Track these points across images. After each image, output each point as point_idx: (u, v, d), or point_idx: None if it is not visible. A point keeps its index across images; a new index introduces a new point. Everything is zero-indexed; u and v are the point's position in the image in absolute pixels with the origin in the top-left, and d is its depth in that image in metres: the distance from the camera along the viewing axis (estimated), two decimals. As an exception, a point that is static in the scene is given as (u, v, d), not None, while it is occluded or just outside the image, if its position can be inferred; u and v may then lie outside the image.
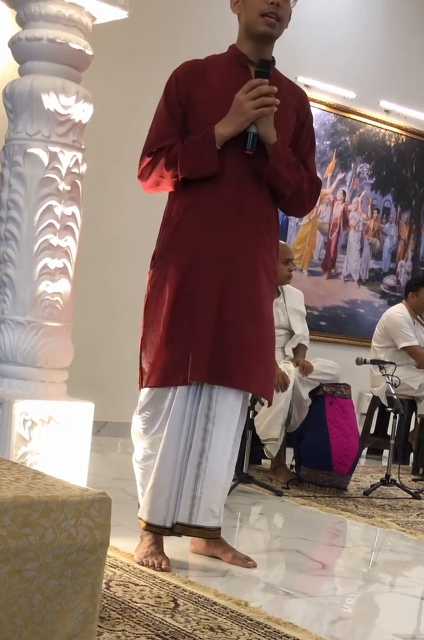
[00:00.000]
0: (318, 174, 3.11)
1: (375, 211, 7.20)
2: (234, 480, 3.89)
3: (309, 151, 3.07)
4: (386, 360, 5.64)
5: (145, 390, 2.96)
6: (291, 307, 5.21)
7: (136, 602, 2.46)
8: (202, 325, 2.87)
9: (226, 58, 3.00)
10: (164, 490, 2.92)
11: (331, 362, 5.12)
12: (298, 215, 3.35)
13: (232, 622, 2.41)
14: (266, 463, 5.26)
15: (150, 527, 2.95)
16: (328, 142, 6.84)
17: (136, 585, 2.63)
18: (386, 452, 5.85)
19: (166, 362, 2.88)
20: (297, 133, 3.02)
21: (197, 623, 2.36)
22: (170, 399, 2.91)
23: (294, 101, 3.04)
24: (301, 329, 5.20)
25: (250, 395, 3.11)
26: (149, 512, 2.94)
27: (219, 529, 3.02)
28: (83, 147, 3.09)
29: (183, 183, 2.91)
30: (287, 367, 4.88)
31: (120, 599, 2.46)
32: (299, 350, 5.17)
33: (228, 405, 2.93)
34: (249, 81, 2.87)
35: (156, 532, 2.95)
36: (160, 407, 2.93)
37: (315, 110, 6.67)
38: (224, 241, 2.89)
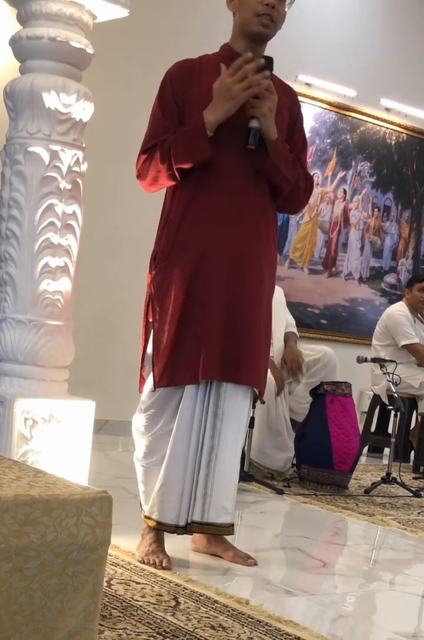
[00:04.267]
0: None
1: (376, 209, 7.20)
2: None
3: (302, 149, 3.09)
4: (386, 358, 5.64)
5: (150, 389, 2.95)
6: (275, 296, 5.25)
7: (137, 601, 2.46)
8: (211, 325, 2.87)
9: (220, 57, 2.99)
10: (174, 489, 2.92)
11: (318, 347, 5.14)
12: (292, 212, 3.35)
13: (233, 621, 2.41)
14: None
15: (161, 526, 2.94)
16: (329, 141, 6.84)
17: (137, 583, 2.64)
18: (386, 451, 5.85)
19: (175, 362, 2.87)
20: (290, 130, 3.03)
21: (198, 621, 2.36)
22: (177, 398, 2.90)
23: (287, 99, 3.05)
24: (287, 317, 5.25)
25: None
26: (159, 511, 2.92)
27: (232, 525, 3.02)
28: (84, 145, 3.09)
29: (181, 175, 2.89)
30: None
31: (121, 597, 2.46)
32: (289, 338, 5.19)
33: (237, 402, 2.94)
34: (233, 64, 2.84)
35: (168, 531, 2.95)
36: (165, 406, 2.93)
37: (316, 109, 6.68)
38: (228, 240, 2.89)
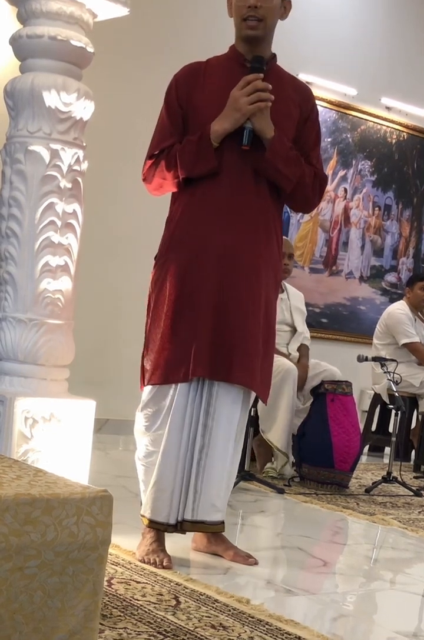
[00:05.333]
0: (323, 172, 3.10)
1: (376, 208, 7.20)
2: (235, 478, 3.88)
3: (314, 146, 3.06)
4: (387, 357, 5.64)
5: (147, 388, 2.97)
6: (294, 305, 5.22)
7: (138, 600, 2.46)
8: (203, 322, 2.87)
9: (226, 59, 3.01)
10: (167, 487, 2.92)
11: (333, 369, 5.11)
12: (303, 211, 3.36)
13: (234, 620, 2.41)
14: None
15: (153, 524, 2.95)
16: (329, 139, 6.83)
17: (138, 582, 2.63)
18: (387, 450, 5.84)
19: (168, 359, 2.88)
20: (300, 128, 3.02)
21: (199, 620, 2.36)
22: (171, 396, 2.91)
23: (297, 96, 3.03)
24: (302, 328, 5.22)
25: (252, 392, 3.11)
26: (151, 509, 2.94)
27: (223, 523, 3.02)
28: (84, 144, 3.09)
29: (185, 183, 2.91)
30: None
31: (121, 597, 2.46)
32: (303, 351, 5.17)
33: (228, 401, 2.94)
34: (244, 77, 2.87)
35: (159, 529, 2.95)
36: (162, 404, 2.93)
37: (316, 108, 6.67)
38: (223, 239, 2.89)
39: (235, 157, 2.90)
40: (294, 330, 5.19)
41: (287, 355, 4.99)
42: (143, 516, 2.98)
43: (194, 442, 2.92)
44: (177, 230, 2.94)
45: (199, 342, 2.87)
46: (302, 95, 3.06)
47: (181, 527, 2.96)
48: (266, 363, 3.00)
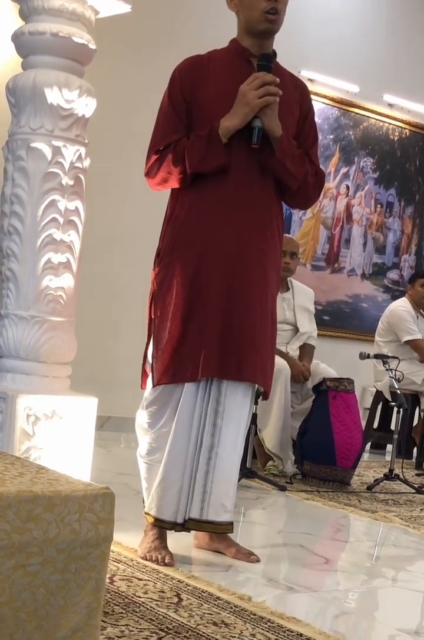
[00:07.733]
0: (322, 168, 3.11)
1: (378, 205, 7.19)
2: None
3: (313, 143, 3.07)
4: (389, 354, 5.64)
5: (152, 386, 2.95)
6: (299, 304, 5.20)
7: (140, 597, 2.46)
8: (212, 321, 2.86)
9: (229, 53, 2.99)
10: (173, 486, 2.92)
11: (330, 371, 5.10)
12: (302, 208, 3.37)
13: (236, 617, 2.41)
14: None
15: (159, 523, 2.94)
16: (332, 136, 6.83)
17: (140, 580, 2.64)
18: (389, 447, 5.85)
19: (176, 358, 2.87)
20: (300, 125, 3.02)
21: (201, 618, 2.36)
22: (178, 394, 2.90)
23: (297, 94, 3.04)
24: (308, 327, 5.20)
25: (256, 388, 3.11)
26: (157, 507, 2.93)
27: (232, 523, 3.02)
28: (86, 141, 3.09)
29: (191, 179, 2.90)
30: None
31: (123, 594, 2.46)
32: (306, 350, 5.15)
33: (237, 400, 2.93)
34: (253, 74, 2.87)
35: (166, 527, 2.95)
36: (167, 402, 2.93)
37: (318, 104, 6.66)
38: (231, 237, 2.89)
39: (242, 155, 2.89)
40: (296, 329, 5.18)
41: (285, 354, 4.98)
42: (148, 514, 2.97)
43: (201, 441, 2.92)
44: (184, 229, 2.91)
45: (208, 342, 2.86)
46: (301, 93, 3.07)
47: (187, 526, 2.96)
48: (271, 359, 3.01)
